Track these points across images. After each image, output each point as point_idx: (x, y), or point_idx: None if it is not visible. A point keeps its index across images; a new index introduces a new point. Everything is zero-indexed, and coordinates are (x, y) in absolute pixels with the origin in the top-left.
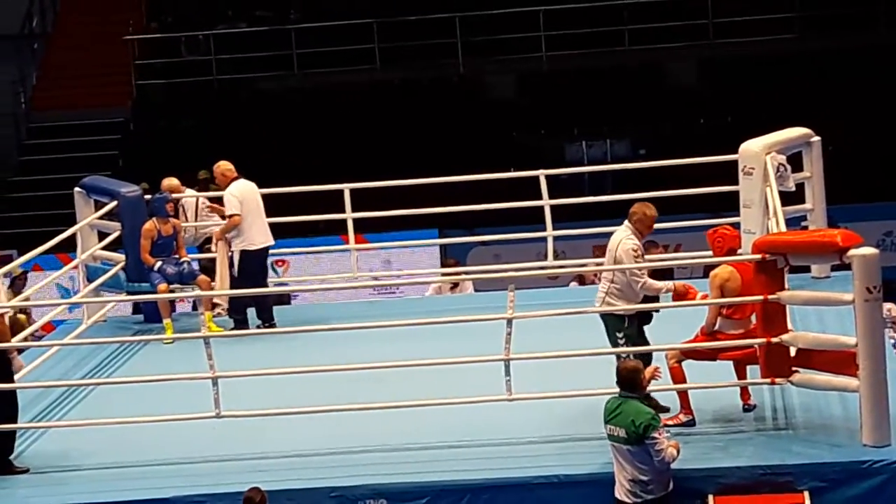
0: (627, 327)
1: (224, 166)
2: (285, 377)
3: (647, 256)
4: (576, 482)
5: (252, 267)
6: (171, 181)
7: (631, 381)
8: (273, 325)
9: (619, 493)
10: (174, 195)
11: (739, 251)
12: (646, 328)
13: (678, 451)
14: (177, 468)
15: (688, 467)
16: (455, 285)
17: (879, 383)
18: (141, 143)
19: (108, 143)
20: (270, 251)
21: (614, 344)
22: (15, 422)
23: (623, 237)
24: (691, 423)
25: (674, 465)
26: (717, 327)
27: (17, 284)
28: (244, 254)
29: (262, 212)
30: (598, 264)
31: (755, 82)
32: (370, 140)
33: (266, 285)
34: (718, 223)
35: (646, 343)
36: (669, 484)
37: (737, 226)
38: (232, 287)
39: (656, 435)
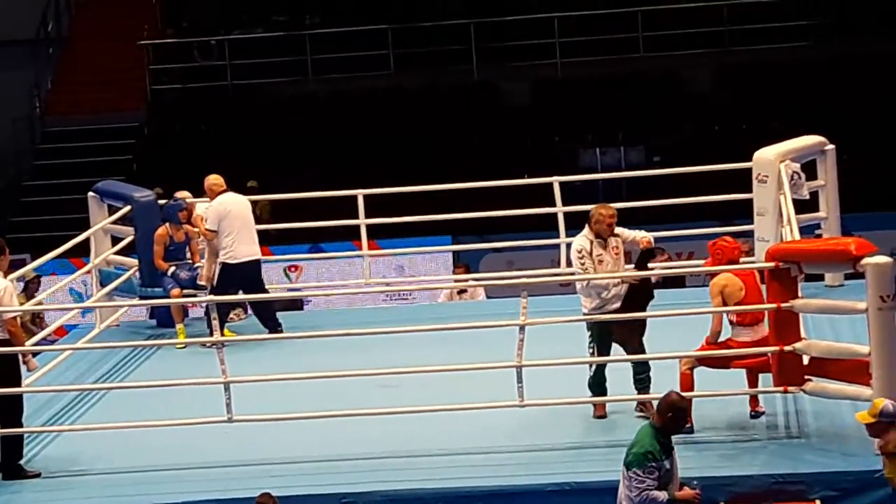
0: (591, 327)
1: (211, 180)
2: (297, 382)
3: (654, 262)
4: (588, 489)
5: (229, 280)
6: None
7: (659, 409)
8: (280, 331)
9: None
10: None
11: (741, 262)
12: (651, 336)
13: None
14: (188, 473)
15: (698, 475)
16: (463, 290)
17: (893, 392)
18: (155, 147)
19: (123, 148)
20: (284, 256)
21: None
22: (20, 426)
23: (574, 239)
24: (689, 431)
25: (682, 474)
26: (730, 334)
27: (30, 288)
28: (223, 266)
29: (248, 225)
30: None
31: (770, 90)
32: (384, 146)
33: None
34: (731, 231)
35: (607, 351)
36: None
37: (750, 234)
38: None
39: (639, 472)
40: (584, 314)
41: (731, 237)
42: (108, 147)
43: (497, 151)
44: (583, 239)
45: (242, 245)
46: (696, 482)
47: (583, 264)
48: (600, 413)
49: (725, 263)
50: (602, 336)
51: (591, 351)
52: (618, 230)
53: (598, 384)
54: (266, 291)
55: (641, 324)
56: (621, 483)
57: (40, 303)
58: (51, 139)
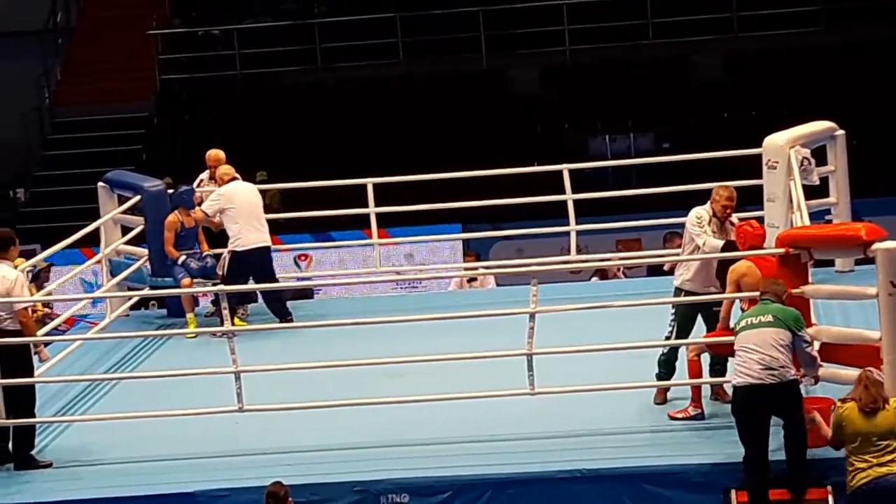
0: (681, 305)
1: (222, 170)
2: (307, 372)
3: (667, 248)
4: (599, 476)
5: (238, 268)
6: (217, 153)
7: (776, 293)
8: (290, 320)
9: (746, 378)
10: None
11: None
12: (660, 322)
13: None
14: (200, 462)
15: (710, 462)
16: (473, 278)
17: None
18: (164, 137)
19: (132, 138)
20: (294, 245)
21: None
22: (33, 416)
23: (696, 208)
24: (700, 417)
25: (694, 460)
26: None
27: (41, 278)
28: (232, 254)
29: (256, 213)
30: (621, 259)
31: (780, 76)
32: (393, 134)
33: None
34: (743, 217)
35: (689, 329)
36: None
37: (761, 220)
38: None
39: (807, 330)
40: (676, 286)
41: (757, 221)
42: (117, 137)
43: (506, 139)
44: (702, 210)
45: (250, 233)
46: None
47: (700, 228)
48: (661, 399)
49: (746, 249)
50: (687, 312)
51: (671, 329)
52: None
53: (669, 361)
54: (276, 280)
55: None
56: (758, 348)
57: (50, 293)
58: (60, 129)
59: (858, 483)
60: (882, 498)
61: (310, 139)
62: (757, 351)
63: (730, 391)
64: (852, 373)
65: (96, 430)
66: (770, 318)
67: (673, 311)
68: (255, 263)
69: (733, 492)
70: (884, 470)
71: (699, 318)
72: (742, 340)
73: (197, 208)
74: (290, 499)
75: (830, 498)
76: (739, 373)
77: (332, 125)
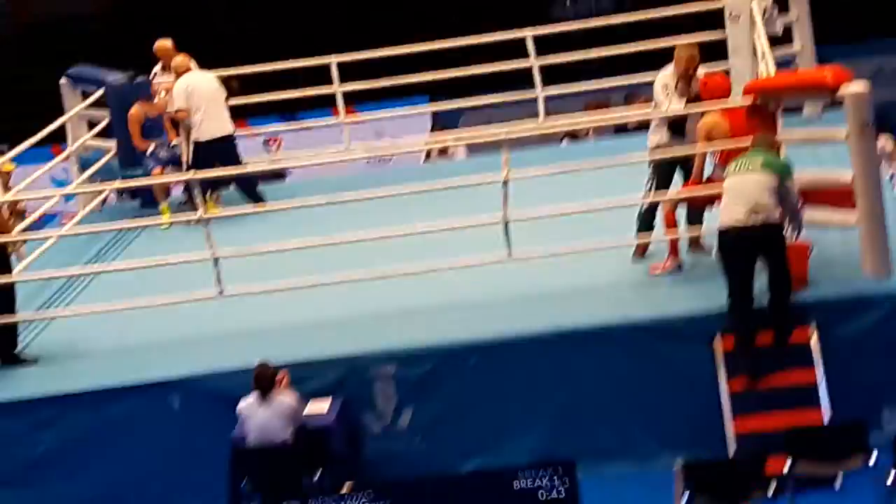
0: (658, 165)
1: (177, 61)
2: (284, 254)
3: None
4: (584, 332)
5: (203, 157)
6: (164, 43)
7: (767, 143)
8: (263, 203)
9: (732, 220)
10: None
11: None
12: (631, 177)
13: None
14: (184, 349)
15: (694, 310)
16: (444, 151)
17: (878, 215)
18: (126, 29)
19: (91, 35)
20: (260, 129)
21: None
22: (13, 314)
23: (661, 72)
24: (678, 269)
25: (678, 311)
26: (712, 174)
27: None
28: (195, 145)
29: (216, 101)
30: (591, 120)
31: None
32: (353, 8)
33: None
34: (709, 71)
35: (668, 182)
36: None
37: (727, 73)
38: None
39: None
40: (652, 148)
41: (723, 73)
42: (77, 34)
43: (466, 5)
44: (667, 75)
45: (210, 122)
46: None
47: (667, 95)
48: (640, 254)
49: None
50: (664, 171)
51: (649, 185)
52: None
53: (646, 221)
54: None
55: None
56: (742, 192)
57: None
58: (23, 29)
59: None
60: None
61: (269, 19)
62: (743, 194)
63: (706, 241)
64: (828, 215)
65: (77, 325)
66: (758, 164)
67: (651, 171)
68: (218, 153)
69: (717, 335)
70: None
71: (676, 178)
72: (729, 185)
73: (178, 112)
74: (283, 374)
75: (814, 336)
76: (725, 215)
77: (292, 2)
